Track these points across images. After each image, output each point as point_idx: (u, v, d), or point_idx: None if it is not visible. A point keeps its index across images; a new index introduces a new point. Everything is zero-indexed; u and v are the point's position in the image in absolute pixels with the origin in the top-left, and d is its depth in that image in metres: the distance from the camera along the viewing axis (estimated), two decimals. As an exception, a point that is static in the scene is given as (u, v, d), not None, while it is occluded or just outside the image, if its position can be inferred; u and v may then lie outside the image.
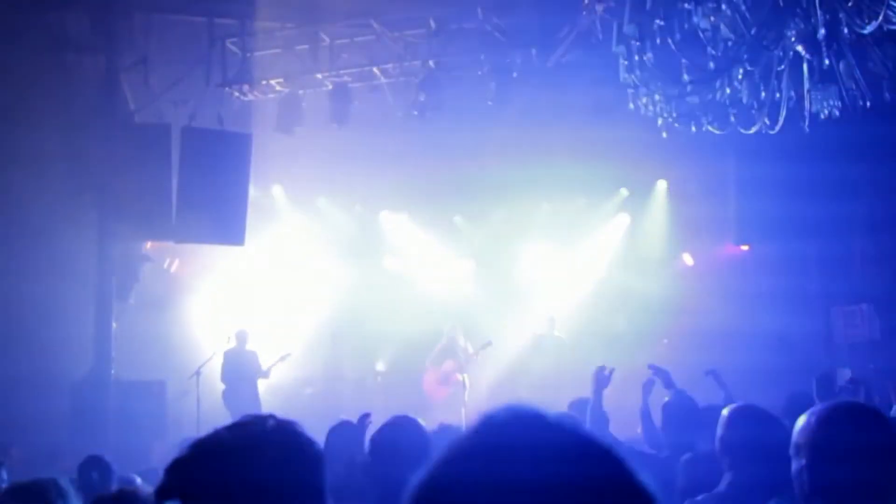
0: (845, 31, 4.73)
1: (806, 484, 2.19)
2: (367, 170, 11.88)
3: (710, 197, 12.16)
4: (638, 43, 5.20)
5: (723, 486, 3.04)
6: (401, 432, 2.86)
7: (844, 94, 5.34)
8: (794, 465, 2.24)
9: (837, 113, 5.29)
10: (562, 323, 12.55)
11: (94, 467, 4.32)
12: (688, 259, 13.33)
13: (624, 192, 13.58)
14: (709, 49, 5.47)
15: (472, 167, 12.60)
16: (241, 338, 10.86)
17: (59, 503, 2.91)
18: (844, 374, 10.66)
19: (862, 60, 5.47)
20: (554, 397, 11.40)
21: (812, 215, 10.60)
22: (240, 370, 10.53)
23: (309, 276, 13.10)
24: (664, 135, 6.32)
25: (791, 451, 2.27)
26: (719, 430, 3.12)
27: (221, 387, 10.56)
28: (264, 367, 10.75)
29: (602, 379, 4.79)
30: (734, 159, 10.80)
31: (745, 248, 11.92)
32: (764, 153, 10.29)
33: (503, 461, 0.84)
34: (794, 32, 5.06)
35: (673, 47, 5.03)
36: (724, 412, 3.20)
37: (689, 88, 5.65)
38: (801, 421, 2.27)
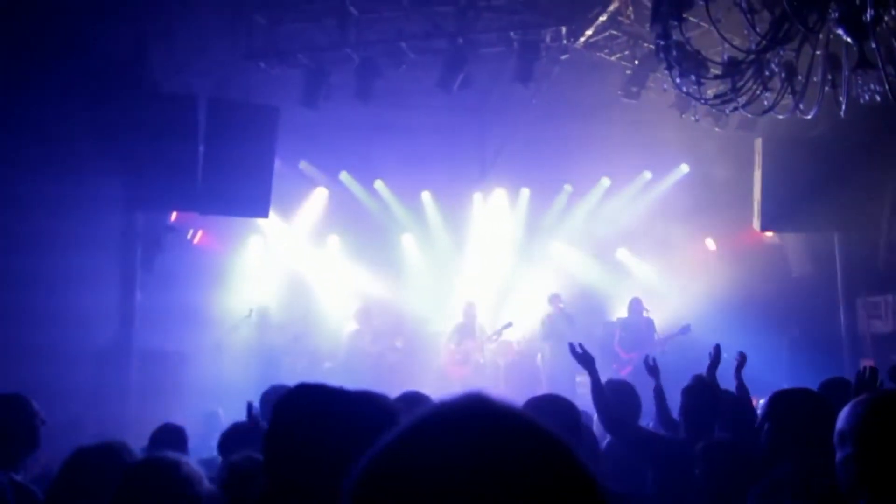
0: (893, 13, 4.63)
1: (853, 473, 2.16)
2: (389, 145, 11.86)
3: (733, 182, 12.05)
4: (676, 23, 5.11)
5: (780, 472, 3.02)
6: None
7: (885, 79, 5.23)
8: (839, 454, 2.21)
9: (878, 98, 5.19)
10: (582, 303, 12.54)
11: (168, 437, 4.33)
12: (710, 244, 13.25)
13: (647, 174, 13.50)
14: (744, 31, 5.39)
15: (495, 145, 12.56)
16: (264, 312, 10.94)
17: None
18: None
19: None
20: (568, 375, 11.45)
21: (839, 203, 10.47)
22: (264, 345, 10.62)
23: (330, 251, 13.14)
24: (695, 119, 6.23)
25: (835, 439, 2.24)
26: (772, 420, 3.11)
27: (242, 358, 10.64)
28: (280, 346, 10.83)
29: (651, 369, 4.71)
30: (760, 144, 10.66)
31: (769, 234, 11.80)
32: (790, 139, 10.18)
33: (445, 450, 0.83)
34: (835, 15, 4.96)
35: (717, 31, 4.93)
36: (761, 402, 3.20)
37: (723, 70, 5.55)
38: (847, 409, 2.24)
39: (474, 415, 0.87)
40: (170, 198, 9.57)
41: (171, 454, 2.72)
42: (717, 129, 9.91)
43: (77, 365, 9.15)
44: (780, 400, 3.23)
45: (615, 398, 4.51)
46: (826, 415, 3.07)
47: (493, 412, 0.88)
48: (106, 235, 9.52)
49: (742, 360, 5.30)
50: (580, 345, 4.65)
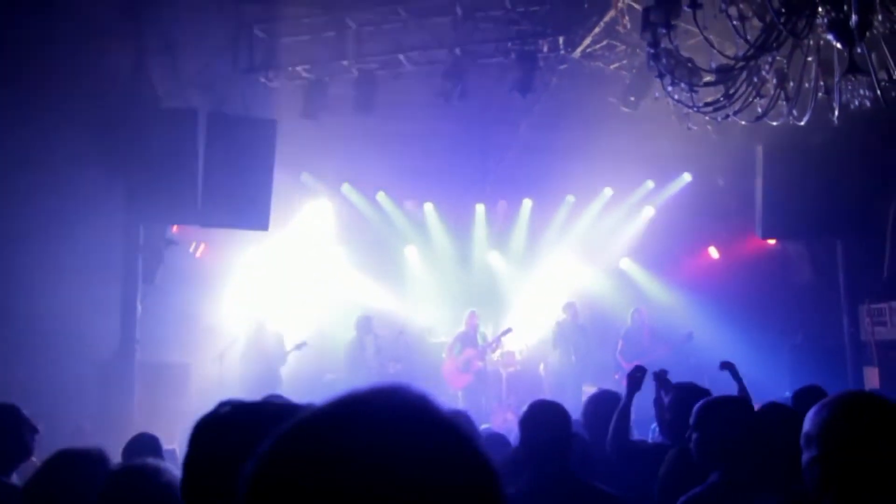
0: (879, 18, 4.63)
1: (817, 475, 2.15)
2: (391, 157, 11.91)
3: (736, 190, 12.04)
4: (664, 31, 5.13)
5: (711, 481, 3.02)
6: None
7: (877, 85, 5.22)
8: (805, 456, 2.21)
9: (868, 104, 5.18)
10: (586, 313, 12.51)
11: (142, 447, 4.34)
12: (713, 252, 13.22)
13: (650, 184, 13.50)
14: (736, 38, 5.40)
15: (495, 156, 12.60)
16: (261, 323, 10.92)
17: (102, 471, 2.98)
18: (872, 373, 10.56)
19: (894, 50, 5.35)
20: (572, 384, 11.44)
21: (841, 210, 10.42)
22: (261, 355, 10.61)
23: (333, 263, 13.18)
24: (689, 127, 6.25)
25: (801, 442, 2.24)
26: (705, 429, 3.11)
27: (244, 370, 10.64)
28: (278, 357, 10.80)
29: (634, 381, 4.67)
30: (763, 152, 10.64)
31: (771, 242, 11.76)
32: (792, 146, 10.15)
33: (343, 441, 0.83)
34: (825, 21, 4.96)
35: (703, 35, 4.94)
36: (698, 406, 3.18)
37: (715, 77, 5.56)
38: (813, 411, 2.24)
39: (378, 407, 0.87)
40: (170, 211, 9.63)
41: (153, 461, 2.75)
42: (714, 137, 9.90)
43: (80, 375, 9.21)
44: (705, 410, 3.21)
45: (603, 408, 4.53)
46: (753, 424, 3.07)
47: (400, 404, 0.87)
48: (108, 247, 9.58)
49: (729, 367, 5.35)
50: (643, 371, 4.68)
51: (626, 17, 8.33)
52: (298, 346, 10.77)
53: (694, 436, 3.12)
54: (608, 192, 13.62)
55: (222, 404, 1.65)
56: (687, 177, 13.17)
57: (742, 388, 5.21)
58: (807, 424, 2.23)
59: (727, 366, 5.23)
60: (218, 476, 1.47)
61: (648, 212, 13.57)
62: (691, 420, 3.15)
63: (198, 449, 1.59)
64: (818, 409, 2.22)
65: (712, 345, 11.36)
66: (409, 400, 0.88)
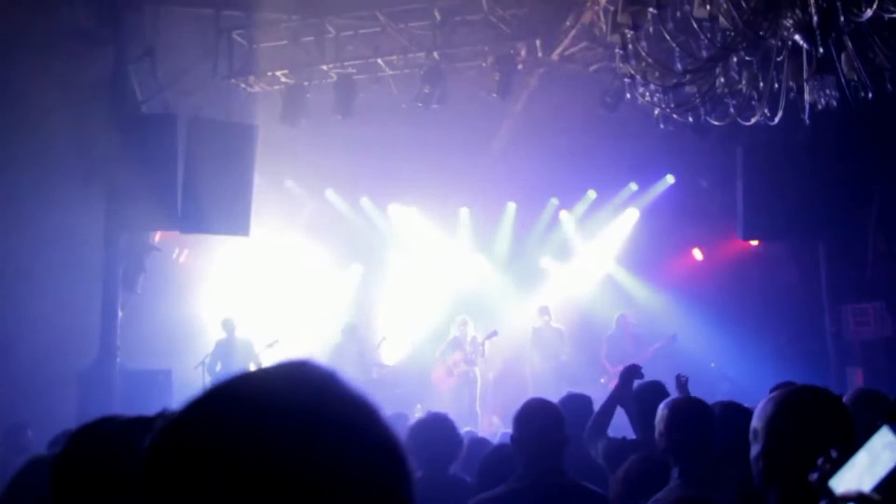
0: (842, 19, 4.66)
1: (762, 469, 2.17)
2: (373, 162, 11.91)
3: (719, 191, 12.08)
4: (632, 32, 5.15)
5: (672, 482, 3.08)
6: None
7: (845, 84, 5.25)
8: (752, 450, 2.22)
9: (835, 103, 5.21)
10: (570, 316, 12.52)
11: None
12: (697, 254, 13.25)
13: (633, 186, 13.53)
14: (703, 38, 5.42)
15: (478, 160, 12.60)
16: (229, 327, 10.85)
17: None
18: (855, 374, 10.60)
19: (863, 51, 5.38)
20: (555, 388, 11.42)
21: (823, 210, 10.46)
22: (230, 360, 10.55)
23: (317, 268, 13.16)
24: (661, 126, 6.30)
25: (749, 436, 2.25)
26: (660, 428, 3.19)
27: (211, 378, 10.57)
28: (244, 359, 10.72)
29: (626, 379, 4.74)
30: (742, 153, 10.67)
31: (754, 243, 11.79)
32: (773, 147, 10.19)
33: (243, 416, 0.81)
34: (791, 21, 4.99)
35: (667, 36, 4.97)
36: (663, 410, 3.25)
37: (685, 78, 5.58)
38: (759, 406, 2.25)
39: (279, 384, 0.85)
40: (151, 217, 9.59)
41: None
42: (693, 138, 9.92)
43: (61, 383, 9.15)
44: (665, 409, 3.28)
45: (572, 407, 4.57)
46: (709, 422, 3.13)
47: (301, 381, 0.86)
48: (88, 254, 9.54)
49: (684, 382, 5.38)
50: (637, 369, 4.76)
51: (603, 19, 8.36)
52: (270, 345, 10.70)
53: (656, 434, 3.20)
54: (592, 194, 13.64)
55: (106, 420, 1.59)
56: (670, 178, 13.21)
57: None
58: (753, 419, 2.25)
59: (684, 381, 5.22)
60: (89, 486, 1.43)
61: (632, 214, 13.59)
62: (655, 420, 3.25)
63: (73, 458, 1.54)
64: (764, 403, 2.24)
65: (697, 346, 11.40)
66: (313, 377, 0.86)
